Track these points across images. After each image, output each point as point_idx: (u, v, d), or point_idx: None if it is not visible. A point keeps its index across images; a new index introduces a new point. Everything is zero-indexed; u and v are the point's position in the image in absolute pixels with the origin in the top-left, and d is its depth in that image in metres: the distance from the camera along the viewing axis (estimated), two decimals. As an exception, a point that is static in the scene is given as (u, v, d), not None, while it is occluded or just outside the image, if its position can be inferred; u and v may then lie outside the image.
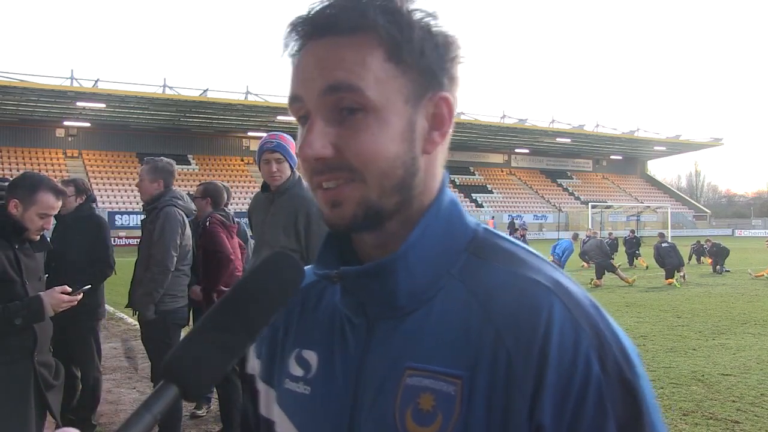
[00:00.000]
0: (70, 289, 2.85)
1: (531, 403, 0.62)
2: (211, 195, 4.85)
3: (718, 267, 18.62)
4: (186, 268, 4.29)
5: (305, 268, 0.84)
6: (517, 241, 0.75)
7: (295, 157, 3.46)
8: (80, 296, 2.93)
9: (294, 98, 0.70)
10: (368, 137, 0.67)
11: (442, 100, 0.71)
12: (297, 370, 0.77)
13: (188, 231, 4.29)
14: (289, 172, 3.42)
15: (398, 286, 0.70)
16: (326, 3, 0.67)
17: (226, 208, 5.03)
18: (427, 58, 0.68)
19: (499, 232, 0.76)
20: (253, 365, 0.84)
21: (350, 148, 0.67)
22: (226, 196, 5.04)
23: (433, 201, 0.73)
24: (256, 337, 0.65)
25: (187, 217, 4.31)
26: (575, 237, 18.74)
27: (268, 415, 0.81)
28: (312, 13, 0.68)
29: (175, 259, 4.10)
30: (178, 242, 4.12)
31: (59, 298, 2.78)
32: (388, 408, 0.68)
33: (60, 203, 2.98)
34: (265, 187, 3.55)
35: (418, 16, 0.68)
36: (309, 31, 0.68)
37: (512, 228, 32.82)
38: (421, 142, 0.70)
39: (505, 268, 0.70)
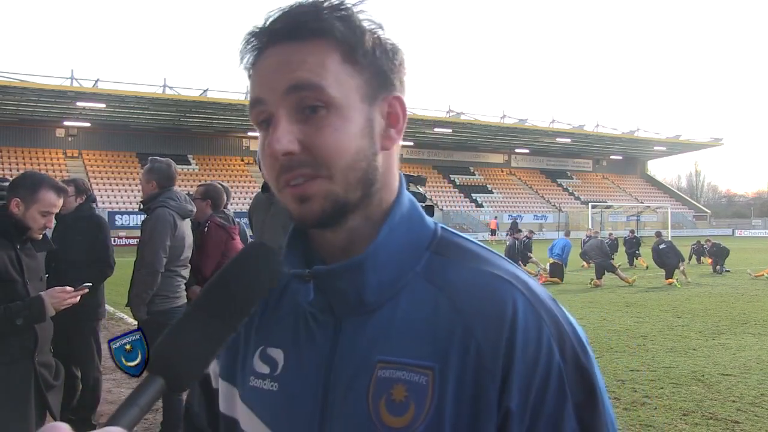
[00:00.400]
0: (70, 288, 2.84)
1: (500, 389, 0.67)
2: (211, 197, 4.85)
3: (718, 267, 18.61)
4: (180, 269, 4.26)
5: None
6: (474, 240, 0.79)
7: None
8: (85, 291, 2.92)
9: (256, 101, 0.74)
10: (332, 133, 0.70)
11: (396, 99, 0.76)
12: (263, 368, 0.78)
13: (181, 231, 4.24)
14: None
15: (366, 284, 0.73)
16: (282, 11, 0.72)
17: (225, 210, 5.02)
18: (379, 61, 0.74)
19: (455, 231, 0.81)
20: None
21: (315, 144, 0.70)
22: (225, 197, 5.04)
23: (395, 200, 0.77)
24: (237, 327, 0.67)
25: (183, 218, 4.28)
26: (567, 233, 18.80)
27: (230, 413, 0.82)
28: (270, 21, 0.72)
29: (165, 260, 4.08)
30: (168, 243, 4.10)
31: (60, 296, 2.77)
32: (361, 400, 0.71)
33: (61, 201, 2.97)
34: (265, 187, 3.56)
35: (366, 24, 0.73)
36: (266, 40, 0.72)
37: (515, 228, 32.86)
38: (380, 139, 0.74)
39: (468, 265, 0.75)
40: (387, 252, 0.74)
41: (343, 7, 0.72)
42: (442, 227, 0.80)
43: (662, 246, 16.06)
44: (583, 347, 0.71)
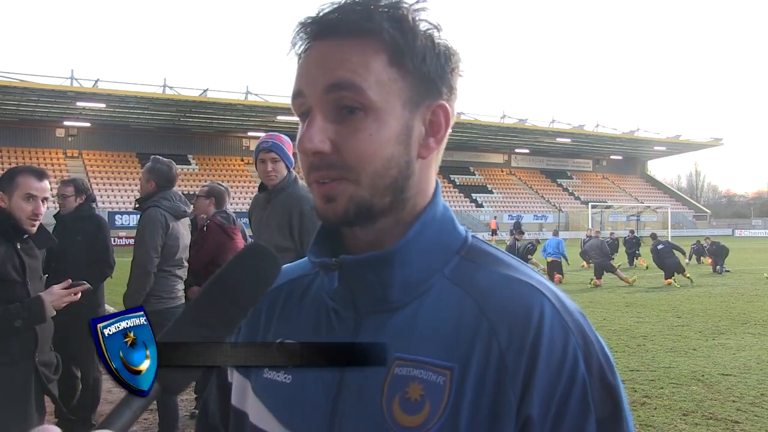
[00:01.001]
0: (69, 282, 2.79)
1: (520, 395, 0.65)
2: (215, 195, 4.85)
3: (717, 267, 18.58)
4: (175, 269, 4.24)
5: (293, 264, 0.85)
6: (503, 251, 0.78)
7: (291, 158, 3.48)
8: (85, 288, 2.87)
9: (297, 93, 0.73)
10: (365, 137, 0.69)
11: (440, 108, 0.74)
12: None
13: (175, 231, 4.22)
14: (284, 172, 3.44)
15: (393, 279, 0.72)
16: (335, 6, 0.70)
17: (227, 210, 5.02)
18: (427, 66, 0.72)
19: (486, 241, 0.80)
20: None
21: (347, 146, 0.69)
22: (227, 198, 5.05)
23: (429, 203, 0.76)
24: (233, 330, 0.66)
25: (177, 218, 4.25)
26: (556, 233, 18.86)
27: (241, 406, 0.81)
28: (321, 14, 0.71)
29: (156, 260, 4.07)
30: (159, 243, 4.09)
31: (59, 293, 2.73)
32: (375, 397, 0.69)
33: (45, 185, 2.86)
34: (262, 187, 3.56)
35: (422, 26, 0.71)
36: (316, 31, 0.71)
37: (517, 228, 32.23)
38: (416, 147, 0.73)
39: (496, 270, 0.74)
40: (416, 250, 0.73)
41: (398, 6, 0.70)
42: (473, 236, 0.79)
43: (660, 246, 16.04)
44: (610, 364, 0.69)
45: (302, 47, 0.72)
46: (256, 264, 0.68)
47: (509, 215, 48.07)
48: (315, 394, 0.73)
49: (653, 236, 17.37)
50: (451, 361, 0.68)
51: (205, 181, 5.39)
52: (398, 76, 0.70)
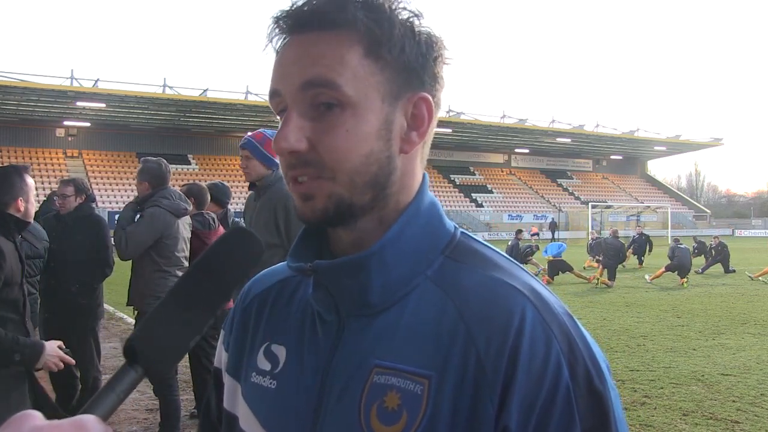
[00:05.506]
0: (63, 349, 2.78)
1: (499, 405, 0.62)
2: (194, 195, 4.79)
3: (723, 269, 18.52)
4: (174, 269, 4.23)
5: (283, 264, 0.83)
6: (494, 247, 0.75)
7: (270, 155, 3.51)
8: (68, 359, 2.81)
9: (273, 93, 0.71)
10: (342, 134, 0.67)
11: (422, 100, 0.71)
12: (265, 364, 0.77)
13: (174, 231, 4.21)
14: (260, 169, 3.48)
15: (371, 283, 0.70)
16: None
17: (203, 212, 4.89)
18: (407, 56, 0.69)
19: (477, 237, 0.76)
20: (221, 358, 0.84)
21: (323, 143, 0.67)
22: (210, 196, 4.96)
23: (412, 201, 0.73)
24: (216, 312, 0.65)
25: (176, 216, 4.26)
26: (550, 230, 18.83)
27: (232, 409, 0.80)
28: (294, 7, 0.68)
29: (137, 252, 4.11)
30: (148, 240, 4.12)
31: (57, 353, 2.71)
32: (354, 405, 0.68)
33: None
34: (251, 185, 3.60)
35: (401, 14, 0.69)
36: (291, 25, 0.69)
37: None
38: (398, 141, 0.71)
39: (480, 271, 0.70)
40: (396, 252, 0.70)
41: None
42: (462, 232, 0.75)
43: (681, 245, 16.05)
44: (599, 370, 0.65)
45: (279, 42, 0.70)
46: (239, 246, 0.67)
47: (509, 215, 48.12)
48: (298, 402, 0.72)
49: (676, 240, 17.31)
50: (429, 369, 0.65)
51: (206, 181, 5.34)
52: (376, 69, 0.68)
